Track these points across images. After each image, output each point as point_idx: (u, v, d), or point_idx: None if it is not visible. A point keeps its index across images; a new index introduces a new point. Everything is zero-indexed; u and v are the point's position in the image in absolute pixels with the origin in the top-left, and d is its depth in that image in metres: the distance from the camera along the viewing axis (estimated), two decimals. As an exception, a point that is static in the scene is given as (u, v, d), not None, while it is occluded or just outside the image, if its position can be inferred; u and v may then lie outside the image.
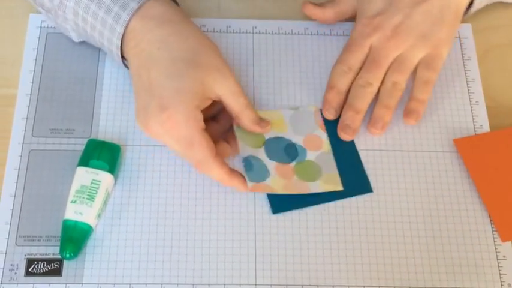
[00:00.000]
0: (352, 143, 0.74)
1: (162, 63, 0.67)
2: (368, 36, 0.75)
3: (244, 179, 0.69)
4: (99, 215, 0.67)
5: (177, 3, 0.74)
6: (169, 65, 0.67)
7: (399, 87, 0.74)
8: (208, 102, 0.69)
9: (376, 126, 0.74)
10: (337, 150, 0.74)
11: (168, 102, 0.66)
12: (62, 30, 0.76)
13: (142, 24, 0.68)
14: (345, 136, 0.74)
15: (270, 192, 0.70)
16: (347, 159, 0.73)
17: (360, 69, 0.75)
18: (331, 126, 0.74)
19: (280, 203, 0.70)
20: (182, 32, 0.69)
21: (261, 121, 0.71)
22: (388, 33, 0.74)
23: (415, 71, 0.75)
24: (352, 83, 0.75)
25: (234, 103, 0.69)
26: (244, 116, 0.70)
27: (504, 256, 0.69)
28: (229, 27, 0.81)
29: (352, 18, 0.80)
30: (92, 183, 0.67)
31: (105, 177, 0.68)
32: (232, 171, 0.69)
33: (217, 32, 0.80)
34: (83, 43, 0.77)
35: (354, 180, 0.72)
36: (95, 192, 0.67)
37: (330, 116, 0.75)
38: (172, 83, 0.66)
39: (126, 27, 0.69)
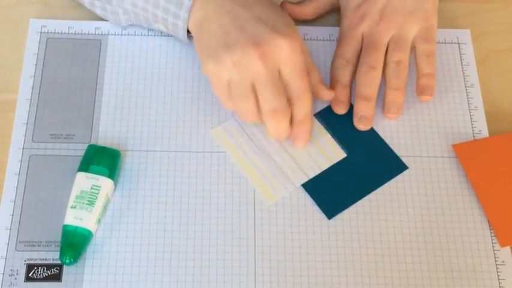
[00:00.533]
0: (371, 128, 0.75)
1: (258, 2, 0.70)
2: (357, 26, 0.76)
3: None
4: (99, 221, 0.68)
5: None
6: (267, 5, 0.70)
7: (403, 65, 0.74)
8: None
9: (391, 111, 0.75)
10: (359, 141, 0.74)
11: (284, 30, 0.67)
12: (108, 17, 0.77)
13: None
14: (363, 127, 0.74)
15: None
16: (372, 145, 0.74)
17: (358, 57, 0.76)
18: (339, 124, 0.75)
19: (332, 207, 0.71)
20: None
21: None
22: (376, 17, 0.76)
23: (413, 49, 0.76)
24: (353, 75, 0.75)
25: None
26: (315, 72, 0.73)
27: (503, 261, 0.69)
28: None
29: (331, 12, 0.82)
30: (91, 188, 0.68)
31: (105, 182, 0.68)
32: None
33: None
34: (83, 48, 0.77)
35: (387, 163, 0.73)
36: (95, 197, 0.67)
37: (342, 110, 0.75)
38: (280, 18, 0.69)
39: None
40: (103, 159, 0.69)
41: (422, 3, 0.76)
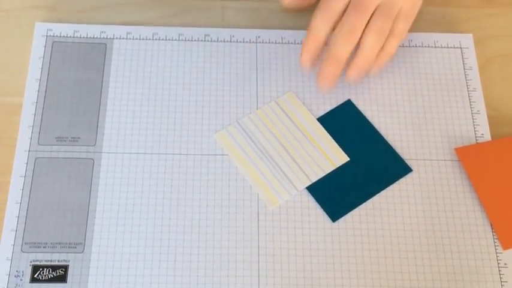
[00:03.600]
0: (375, 132, 0.75)
1: None
2: None
3: None
4: None
5: None
6: None
7: (383, 35, 0.73)
8: None
9: (352, 75, 0.74)
10: (363, 143, 0.75)
11: None
12: None
13: None
14: (324, 85, 0.74)
15: None
16: (376, 148, 0.75)
17: (342, 14, 0.74)
18: (342, 128, 0.75)
19: (336, 210, 0.71)
20: None
21: None
22: None
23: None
24: (333, 29, 0.74)
25: None
26: None
27: (505, 264, 0.69)
28: (233, 36, 0.81)
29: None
30: None
31: None
32: None
33: (221, 41, 0.81)
34: (89, 51, 0.77)
35: (391, 165, 0.73)
36: None
37: (307, 62, 0.74)
38: None
39: None
40: None
41: None
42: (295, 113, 0.76)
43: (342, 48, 0.72)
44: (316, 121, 0.76)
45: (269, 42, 0.81)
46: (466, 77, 0.80)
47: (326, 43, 0.74)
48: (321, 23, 0.73)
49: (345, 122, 0.76)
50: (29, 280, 0.66)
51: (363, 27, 0.73)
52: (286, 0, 0.81)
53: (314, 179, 0.73)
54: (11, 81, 0.77)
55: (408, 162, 0.74)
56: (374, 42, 0.73)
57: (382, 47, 0.75)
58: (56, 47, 0.79)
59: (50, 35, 0.80)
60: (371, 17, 0.73)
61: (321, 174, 0.73)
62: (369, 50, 0.73)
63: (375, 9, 0.74)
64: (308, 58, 0.74)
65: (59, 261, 0.67)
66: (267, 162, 0.73)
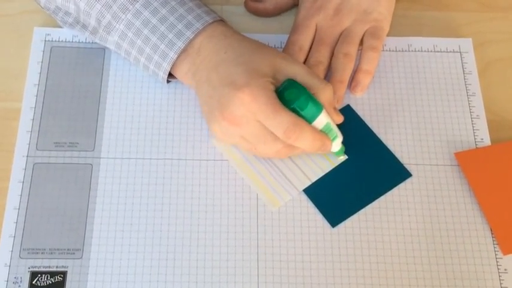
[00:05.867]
0: (374, 137, 0.75)
1: (229, 59, 0.69)
2: (312, 17, 0.79)
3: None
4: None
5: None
6: (237, 57, 0.68)
7: (350, 58, 0.77)
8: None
9: None
10: (362, 148, 0.75)
11: (243, 82, 0.66)
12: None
13: (203, 44, 0.70)
14: None
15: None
16: (375, 153, 0.75)
17: (310, 47, 0.78)
18: (348, 128, 0.75)
19: (336, 215, 0.71)
20: (243, 38, 0.71)
21: (337, 109, 0.72)
22: (331, 12, 0.78)
23: (361, 44, 0.78)
24: (303, 62, 0.77)
25: (310, 82, 0.69)
26: (325, 91, 0.69)
27: (505, 269, 0.69)
28: (232, 41, 0.81)
29: (293, 7, 0.84)
30: None
31: None
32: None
33: (220, 46, 0.81)
34: (87, 56, 0.77)
35: (391, 170, 0.74)
36: None
37: None
38: (242, 68, 0.67)
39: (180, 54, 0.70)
40: None
41: (377, 5, 0.79)
42: None
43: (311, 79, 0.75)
44: None
45: (268, 47, 0.81)
46: (465, 82, 0.80)
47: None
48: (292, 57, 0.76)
49: (344, 127, 0.75)
50: (27, 286, 0.66)
51: (329, 59, 0.78)
52: (247, 6, 0.85)
53: (314, 179, 0.73)
54: (10, 86, 0.77)
55: (408, 167, 0.74)
56: (343, 65, 0.76)
57: (360, 67, 0.77)
58: (55, 52, 0.79)
59: (48, 40, 0.79)
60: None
61: (320, 174, 0.73)
62: (340, 72, 0.76)
63: (339, 38, 0.78)
64: None
65: (57, 267, 0.67)
66: (265, 164, 0.73)
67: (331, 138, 0.70)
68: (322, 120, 0.69)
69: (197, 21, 0.70)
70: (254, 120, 0.66)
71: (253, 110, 0.66)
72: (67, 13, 0.75)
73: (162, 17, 0.70)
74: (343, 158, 0.74)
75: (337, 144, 0.72)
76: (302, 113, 0.67)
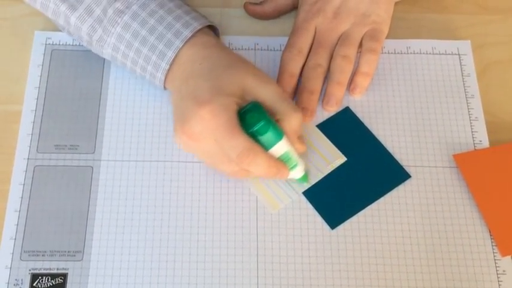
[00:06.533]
0: (373, 138, 0.76)
1: (201, 72, 0.68)
2: (311, 20, 0.79)
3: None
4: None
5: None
6: (208, 72, 0.68)
7: (348, 60, 0.77)
8: None
9: (329, 103, 0.77)
10: (362, 150, 0.75)
11: (205, 99, 0.65)
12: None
13: (183, 51, 0.70)
14: (304, 118, 0.75)
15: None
16: (375, 155, 0.75)
17: (309, 50, 0.78)
18: (339, 135, 0.76)
19: (335, 217, 0.71)
20: (222, 51, 0.70)
21: (303, 138, 0.71)
22: (330, 15, 0.79)
23: (360, 47, 0.79)
24: (302, 65, 0.78)
25: (278, 106, 0.68)
26: (291, 119, 0.68)
27: (504, 271, 0.69)
28: (231, 44, 0.82)
29: (292, 10, 0.84)
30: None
31: None
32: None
33: (219, 48, 0.81)
34: (88, 60, 0.78)
35: (390, 172, 0.74)
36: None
37: None
38: (210, 83, 0.66)
39: (171, 64, 0.70)
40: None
41: (376, 8, 0.79)
42: None
43: (310, 82, 0.77)
44: (311, 123, 0.76)
45: (267, 50, 0.81)
46: (464, 84, 0.80)
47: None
48: (289, 60, 0.77)
49: (343, 129, 0.76)
50: (28, 288, 0.66)
51: (328, 61, 0.78)
52: (246, 8, 0.85)
53: (313, 181, 0.73)
54: (10, 89, 0.78)
55: (407, 169, 0.74)
56: (341, 67, 0.76)
57: (359, 69, 0.78)
58: (55, 55, 0.79)
59: (49, 43, 0.80)
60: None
61: (320, 176, 0.73)
62: (338, 74, 0.76)
63: (338, 41, 0.78)
64: None
65: (58, 269, 0.67)
66: None
67: (290, 166, 0.69)
68: (281, 148, 0.67)
69: (186, 28, 0.70)
70: (212, 139, 0.65)
71: (211, 129, 0.65)
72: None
73: (151, 27, 0.70)
74: (307, 185, 0.72)
75: (297, 172, 0.70)
76: (260, 138, 0.66)
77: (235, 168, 0.67)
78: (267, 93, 0.68)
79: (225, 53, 0.70)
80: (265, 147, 0.67)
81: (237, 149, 0.65)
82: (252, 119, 0.65)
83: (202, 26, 0.71)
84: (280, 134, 0.67)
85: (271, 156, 0.67)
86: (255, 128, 0.66)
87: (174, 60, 0.70)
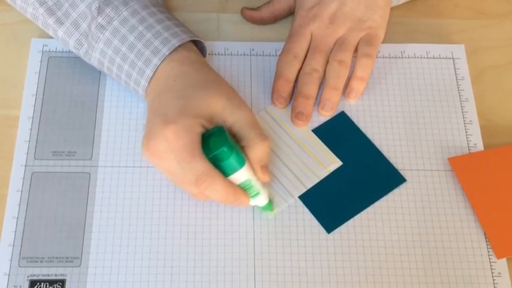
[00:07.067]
0: (369, 143, 0.76)
1: (174, 89, 0.68)
2: (307, 25, 0.79)
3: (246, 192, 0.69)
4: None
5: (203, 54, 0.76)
6: (181, 89, 0.68)
7: (344, 65, 0.77)
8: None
9: (325, 108, 0.77)
10: (357, 154, 0.75)
11: (172, 118, 0.65)
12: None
13: (161, 66, 0.70)
14: (299, 123, 0.76)
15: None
16: (370, 159, 0.75)
17: (305, 55, 0.79)
18: (334, 140, 0.76)
19: (331, 221, 0.72)
20: (199, 69, 0.70)
21: (267, 168, 0.70)
22: (326, 20, 0.79)
23: (356, 52, 0.79)
24: (298, 71, 0.78)
25: (246, 133, 0.68)
26: (257, 147, 0.68)
27: (499, 273, 0.69)
28: (227, 49, 0.82)
29: (289, 15, 0.85)
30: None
31: None
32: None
33: (215, 54, 0.81)
34: (84, 67, 0.78)
35: (385, 176, 0.74)
36: None
37: (280, 104, 0.78)
38: (179, 102, 0.66)
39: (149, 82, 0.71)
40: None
41: (372, 13, 0.79)
42: (285, 121, 0.77)
43: (306, 87, 0.77)
44: (306, 128, 0.77)
45: (263, 55, 0.82)
46: (458, 87, 0.80)
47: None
48: (284, 65, 0.78)
49: (339, 134, 0.76)
50: (26, 294, 0.67)
51: (324, 66, 0.78)
52: (244, 14, 0.85)
53: (309, 185, 0.73)
54: (8, 94, 0.78)
55: (402, 173, 0.75)
56: (337, 72, 0.77)
57: (354, 74, 0.78)
58: (52, 62, 0.79)
59: (45, 51, 0.80)
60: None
61: (316, 180, 0.74)
62: (334, 79, 0.77)
63: (334, 46, 0.79)
64: (276, 98, 0.78)
65: (56, 275, 0.68)
66: None
67: (252, 194, 0.68)
68: (242, 175, 0.67)
69: (164, 45, 0.70)
70: (173, 159, 0.65)
71: (173, 150, 0.64)
72: None
73: (130, 44, 0.70)
74: (272, 214, 0.72)
75: (260, 201, 0.69)
76: (221, 164, 0.65)
77: (195, 190, 0.67)
78: (236, 118, 0.67)
79: (202, 72, 0.70)
80: (225, 173, 0.66)
81: (195, 172, 0.64)
82: (214, 144, 0.65)
83: (180, 43, 0.70)
84: (242, 161, 0.66)
85: (230, 183, 0.66)
86: (215, 153, 0.65)
87: (152, 77, 0.70)
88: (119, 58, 0.71)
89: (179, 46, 0.70)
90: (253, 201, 0.69)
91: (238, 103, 0.68)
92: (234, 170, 0.66)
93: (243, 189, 0.68)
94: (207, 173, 0.64)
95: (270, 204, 0.71)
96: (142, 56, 0.70)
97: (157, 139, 0.65)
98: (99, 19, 0.71)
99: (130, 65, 0.70)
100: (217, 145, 0.65)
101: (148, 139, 0.66)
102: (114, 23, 0.71)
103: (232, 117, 0.67)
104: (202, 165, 0.64)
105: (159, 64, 0.69)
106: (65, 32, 0.73)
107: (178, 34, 0.71)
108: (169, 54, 0.70)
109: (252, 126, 0.68)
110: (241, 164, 0.66)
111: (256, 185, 0.68)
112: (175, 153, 0.65)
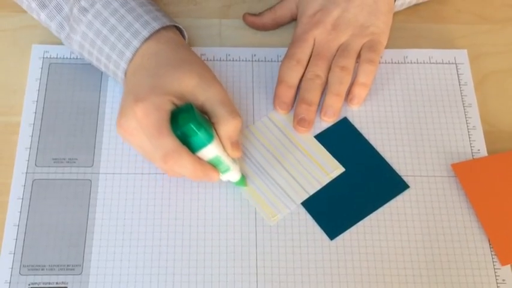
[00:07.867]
0: (372, 149, 0.76)
1: (147, 67, 0.69)
2: (310, 31, 0.79)
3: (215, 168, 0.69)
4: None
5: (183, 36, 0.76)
6: (154, 68, 0.69)
7: (347, 71, 0.77)
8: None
9: (327, 114, 0.77)
10: (360, 160, 0.75)
11: (142, 96, 0.66)
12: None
13: (141, 49, 0.70)
14: (301, 129, 0.76)
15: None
16: (373, 165, 0.75)
17: (308, 61, 0.79)
18: (337, 146, 0.76)
19: (334, 228, 0.71)
20: (175, 49, 0.71)
21: (237, 144, 0.70)
22: (329, 26, 0.79)
23: (358, 58, 0.79)
24: (301, 76, 0.78)
25: (217, 110, 0.68)
26: (227, 124, 0.68)
27: (504, 280, 0.69)
28: (229, 55, 0.82)
29: (291, 21, 0.85)
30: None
31: None
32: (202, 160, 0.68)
33: (217, 60, 0.81)
34: (85, 73, 0.78)
35: (388, 182, 0.74)
36: None
37: (282, 110, 0.78)
38: (151, 80, 0.68)
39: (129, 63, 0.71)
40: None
41: (375, 19, 0.79)
42: (287, 127, 0.77)
43: (308, 93, 0.77)
44: (309, 134, 0.76)
45: (265, 61, 0.82)
46: (461, 93, 0.80)
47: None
48: (287, 71, 0.78)
49: (341, 140, 0.76)
50: (27, 303, 0.66)
51: (326, 72, 0.78)
52: (245, 20, 0.85)
53: (311, 192, 0.73)
54: (9, 101, 0.78)
55: (405, 179, 0.74)
56: (339, 78, 0.77)
57: (357, 80, 0.78)
58: (53, 68, 0.79)
59: (46, 57, 0.80)
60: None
61: (318, 187, 0.73)
62: (337, 85, 0.77)
63: (336, 52, 0.79)
64: (278, 103, 0.78)
65: (57, 283, 0.67)
66: (263, 178, 0.74)
67: (222, 170, 0.69)
68: (211, 152, 0.67)
69: (144, 28, 0.70)
70: (144, 136, 0.67)
71: (142, 127, 0.66)
72: None
73: (111, 27, 0.71)
74: (246, 190, 0.73)
75: (231, 176, 0.70)
76: (188, 140, 0.66)
77: (164, 167, 0.68)
78: (207, 96, 0.68)
79: (177, 51, 0.71)
80: (194, 149, 0.67)
81: (163, 149, 0.65)
82: (183, 120, 0.66)
83: (160, 26, 0.71)
84: (209, 137, 0.67)
85: (198, 159, 0.67)
86: (183, 129, 0.66)
87: (131, 59, 0.71)
88: (100, 41, 0.71)
89: (162, 28, 0.71)
90: (225, 177, 0.70)
91: (211, 81, 0.69)
92: (202, 146, 0.67)
93: (213, 165, 0.68)
94: (175, 149, 0.65)
95: (243, 180, 0.72)
96: (122, 38, 0.70)
97: (128, 116, 0.67)
98: (82, 2, 0.71)
99: (111, 48, 0.71)
100: (185, 121, 0.65)
101: (120, 116, 0.68)
102: (96, 6, 0.71)
103: (204, 95, 0.68)
104: (170, 141, 0.65)
105: (139, 47, 0.70)
106: (47, 14, 0.73)
107: (158, 18, 0.72)
108: (149, 37, 0.70)
109: (222, 104, 0.68)
110: (209, 140, 0.67)
111: (226, 161, 0.69)
112: (144, 130, 0.66)
